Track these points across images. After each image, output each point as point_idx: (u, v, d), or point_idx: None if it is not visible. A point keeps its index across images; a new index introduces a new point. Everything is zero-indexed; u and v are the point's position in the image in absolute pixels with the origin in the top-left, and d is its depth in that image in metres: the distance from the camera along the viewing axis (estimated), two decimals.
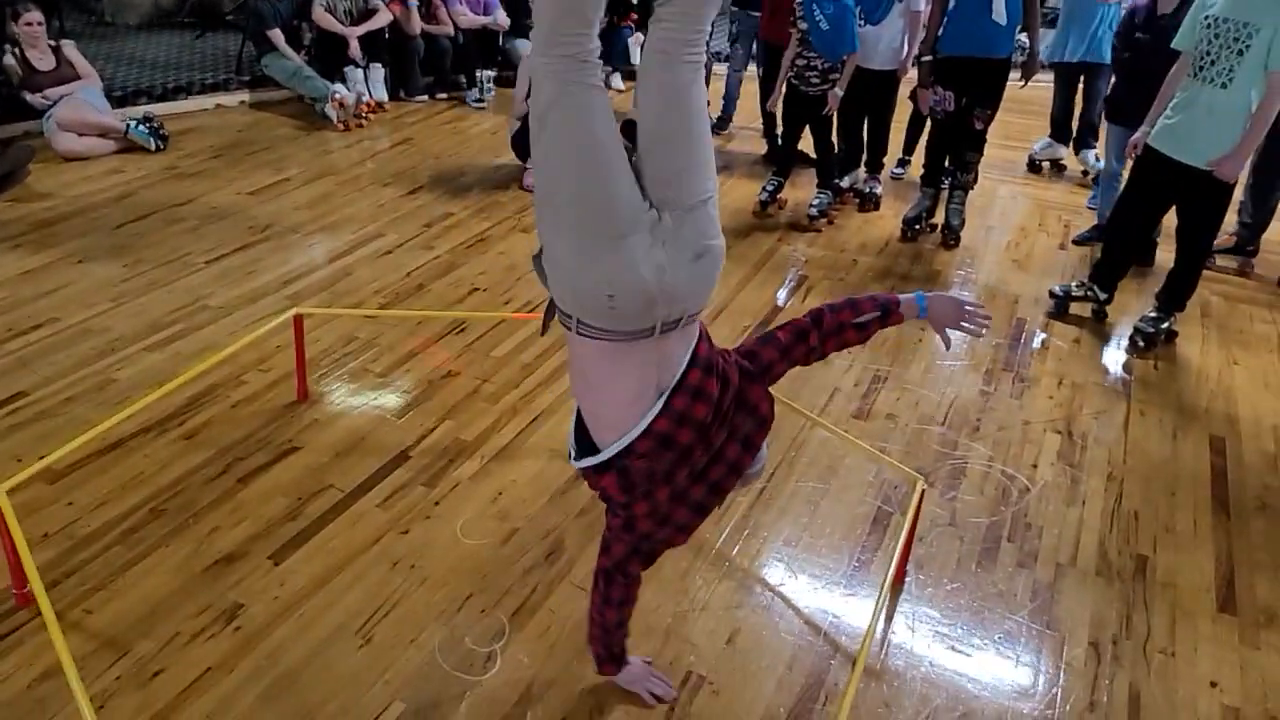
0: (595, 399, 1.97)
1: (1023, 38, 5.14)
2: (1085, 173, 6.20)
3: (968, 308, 2.16)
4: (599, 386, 1.94)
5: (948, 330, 2.19)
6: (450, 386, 3.70)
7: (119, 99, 6.27)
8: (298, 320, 3.41)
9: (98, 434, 2.82)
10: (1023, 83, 5.27)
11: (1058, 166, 6.45)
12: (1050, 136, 6.38)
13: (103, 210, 5.05)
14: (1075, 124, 6.17)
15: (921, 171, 5.41)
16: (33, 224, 4.83)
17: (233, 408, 3.48)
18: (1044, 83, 6.58)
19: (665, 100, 1.82)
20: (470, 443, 3.37)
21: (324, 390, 3.63)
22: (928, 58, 5.01)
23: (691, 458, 1.98)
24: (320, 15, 6.70)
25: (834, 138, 5.50)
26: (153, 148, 5.82)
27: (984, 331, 2.25)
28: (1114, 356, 4.21)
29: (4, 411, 3.36)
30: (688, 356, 1.92)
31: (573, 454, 2.05)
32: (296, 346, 3.46)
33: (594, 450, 1.99)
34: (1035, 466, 3.42)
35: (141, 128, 5.83)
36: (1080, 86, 5.98)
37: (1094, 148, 6.08)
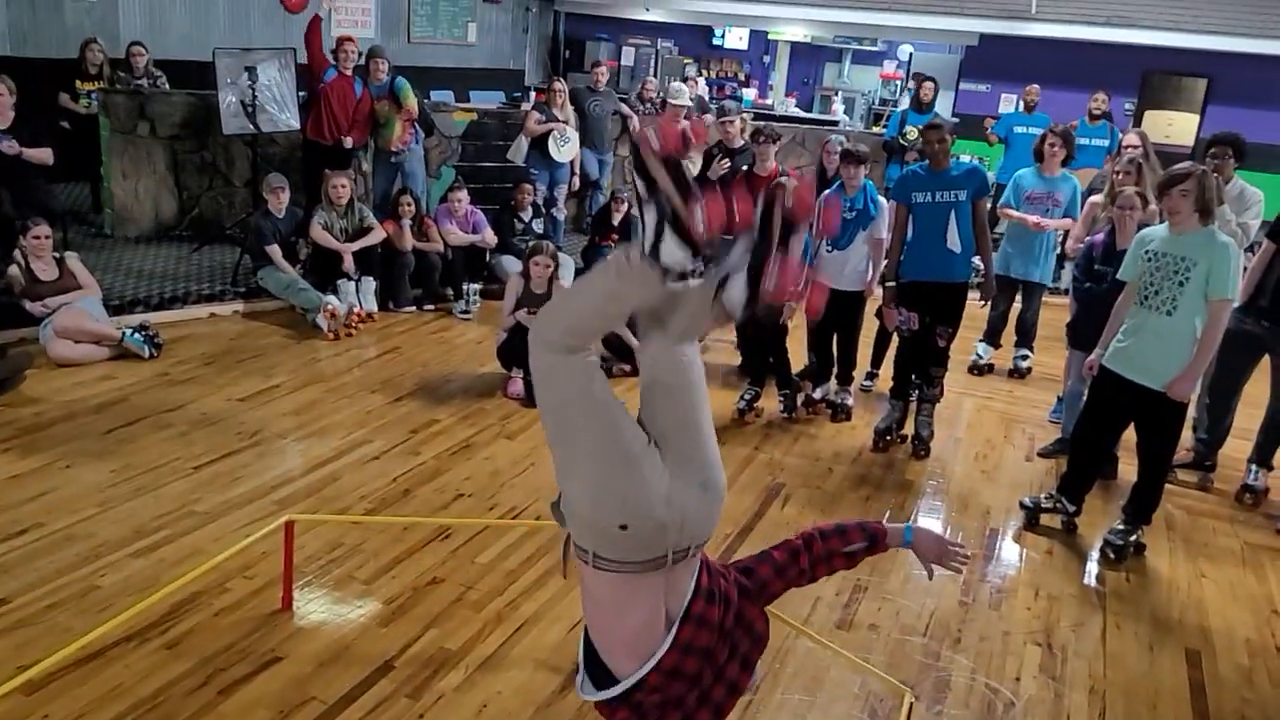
0: (608, 628, 2.01)
1: (977, 261, 5.53)
2: (1013, 372, 6.94)
3: (950, 546, 2.28)
4: (612, 617, 1.99)
5: (931, 556, 2.30)
6: (435, 593, 3.71)
7: (116, 307, 6.47)
8: (289, 527, 3.45)
9: (79, 645, 2.80)
10: (982, 302, 5.64)
11: (988, 366, 7.01)
12: (984, 340, 7.03)
13: (93, 415, 5.13)
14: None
15: (890, 385, 5.66)
16: (22, 428, 4.90)
17: (215, 615, 3.46)
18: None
19: (664, 361, 2.01)
20: (455, 652, 3.36)
21: (308, 598, 3.62)
22: (891, 283, 5.37)
23: (700, 682, 2.03)
24: (318, 233, 7.06)
25: (787, 347, 5.83)
26: (146, 355, 5.97)
27: (963, 569, 2.36)
28: (1086, 568, 4.31)
29: None
30: (690, 588, 2.00)
31: (583, 685, 2.08)
32: (285, 553, 3.49)
33: (606, 677, 2.02)
34: (1018, 679, 3.44)
35: (136, 335, 6.00)
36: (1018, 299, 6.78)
37: (1027, 354, 6.93)
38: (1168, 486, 4.57)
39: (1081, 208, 6.22)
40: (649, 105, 9.80)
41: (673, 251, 1.69)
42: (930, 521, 4.66)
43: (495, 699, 3.12)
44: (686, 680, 2.00)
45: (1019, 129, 9.35)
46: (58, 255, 6.11)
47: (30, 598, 3.46)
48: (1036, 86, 9.89)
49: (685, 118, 7.25)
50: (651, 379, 2.03)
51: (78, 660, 3.09)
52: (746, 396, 5.87)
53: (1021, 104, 10.08)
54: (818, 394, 6.02)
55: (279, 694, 3.06)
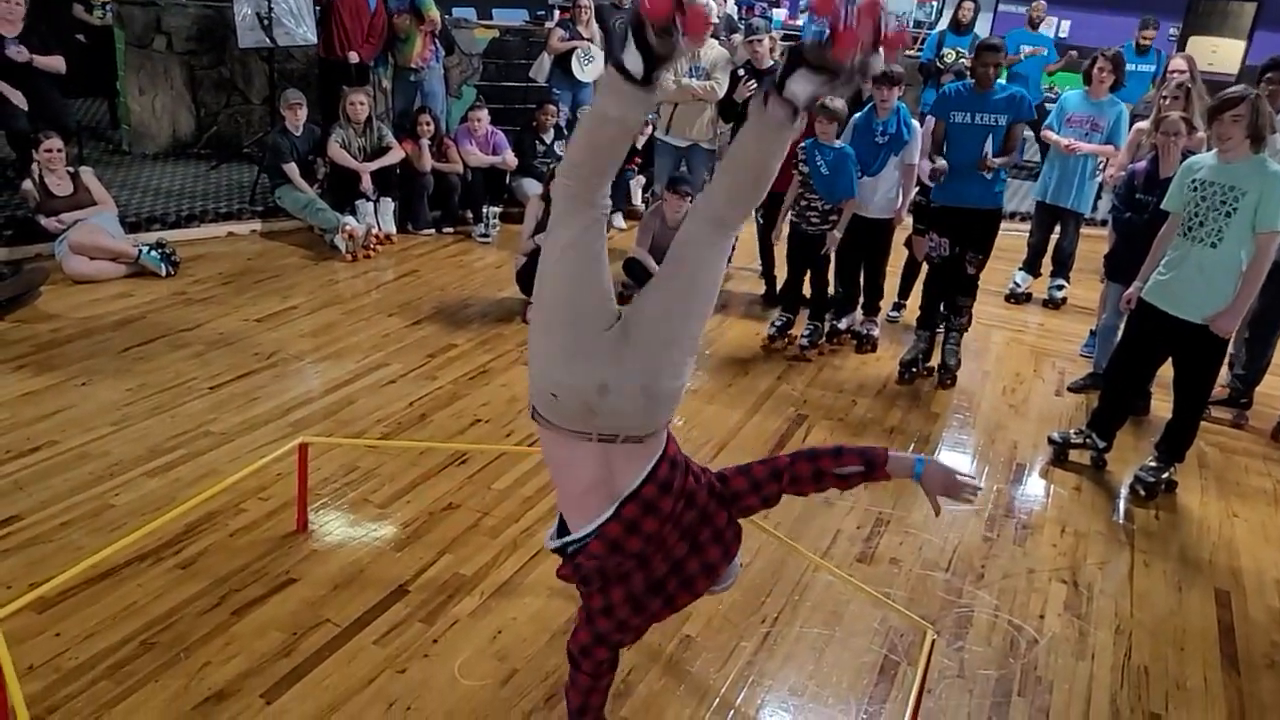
0: (559, 485, 2.18)
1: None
2: (1047, 302, 6.79)
3: (959, 478, 2.21)
4: (555, 471, 2.16)
5: (941, 486, 2.23)
6: (450, 519, 3.67)
7: (133, 225, 6.40)
8: (302, 449, 3.40)
9: (91, 563, 2.77)
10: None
11: (1026, 295, 6.88)
12: (1023, 268, 6.89)
13: (109, 333, 5.08)
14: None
15: (918, 315, 5.52)
16: (37, 345, 4.86)
17: (230, 536, 3.43)
18: (1020, 231, 7.22)
19: (684, 247, 2.03)
20: (470, 578, 3.32)
21: (323, 521, 3.59)
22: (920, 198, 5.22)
23: (649, 566, 2.13)
24: (335, 151, 6.92)
25: (830, 277, 5.68)
26: (163, 273, 5.91)
27: (973, 500, 2.32)
28: (1115, 505, 4.21)
29: None
30: (644, 472, 2.06)
31: (550, 535, 2.23)
32: (299, 476, 3.45)
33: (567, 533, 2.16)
34: (1042, 617, 3.37)
35: (153, 253, 5.93)
36: (1057, 228, 6.63)
37: (1063, 284, 6.76)
38: (1202, 424, 4.44)
39: (1127, 135, 5.99)
40: None
41: (632, 58, 1.81)
42: (956, 456, 4.57)
43: (510, 625, 3.09)
44: (629, 558, 2.11)
45: (1026, 49, 9.01)
46: (72, 170, 6.02)
47: (43, 515, 3.44)
48: (1042, 3, 9.50)
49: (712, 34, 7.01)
50: (663, 277, 2.08)
51: (90, 579, 3.08)
52: (778, 323, 5.77)
53: (1026, 21, 9.65)
54: (843, 324, 5.89)
55: (292, 616, 3.04)
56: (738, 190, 2.01)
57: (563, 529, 2.19)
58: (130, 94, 8.15)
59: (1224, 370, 4.94)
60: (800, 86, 1.82)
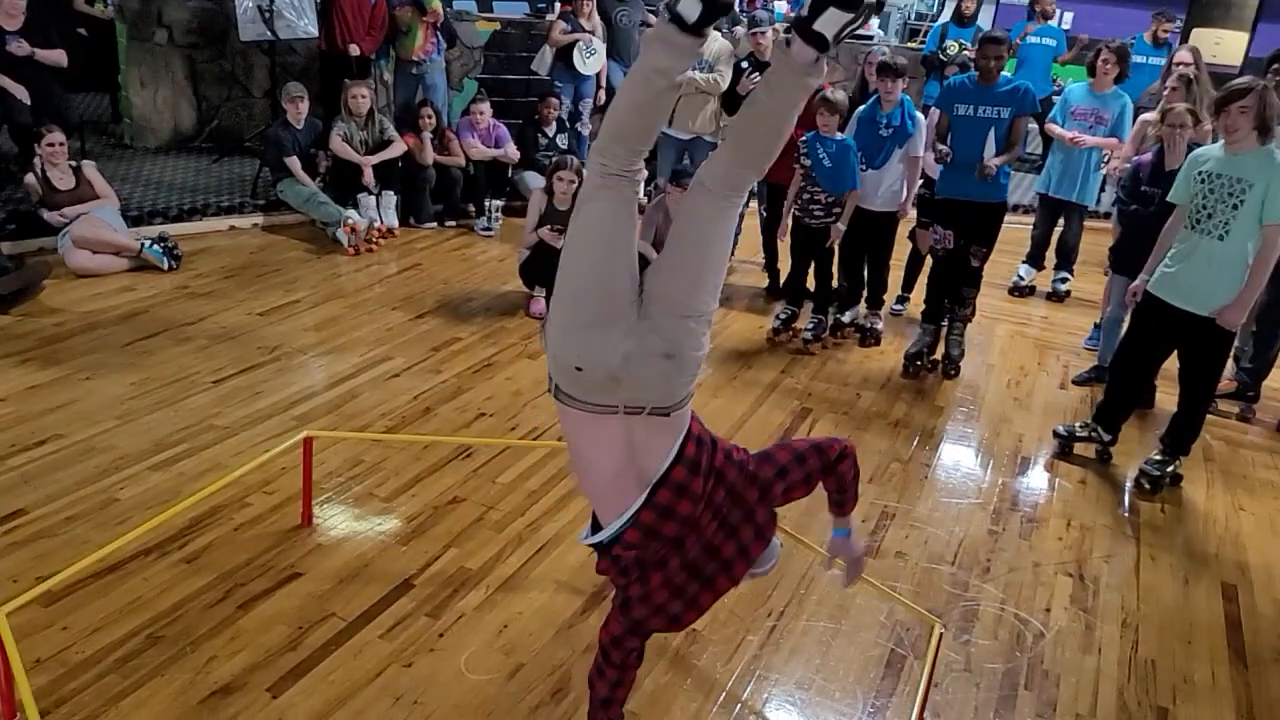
0: (581, 471, 2.17)
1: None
2: (1051, 295, 6.78)
3: (858, 567, 2.51)
4: (580, 459, 2.14)
5: (840, 560, 2.50)
6: (455, 513, 3.66)
7: (135, 219, 6.39)
8: (307, 443, 3.40)
9: (97, 557, 2.77)
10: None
11: (1029, 288, 6.87)
12: (1026, 261, 6.88)
13: (112, 327, 5.08)
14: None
15: (922, 308, 5.52)
16: (42, 339, 4.85)
17: (235, 530, 3.43)
18: (1023, 223, 7.19)
19: (692, 224, 2.03)
20: (475, 572, 3.32)
21: (328, 515, 3.58)
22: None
23: (683, 549, 2.14)
24: (338, 145, 6.91)
25: (834, 270, 5.67)
26: (165, 267, 5.90)
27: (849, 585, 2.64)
28: (1120, 499, 4.21)
29: (3, 529, 3.30)
30: (672, 453, 2.07)
31: (586, 533, 2.22)
32: (304, 469, 3.44)
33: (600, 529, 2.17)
34: (1048, 610, 3.37)
35: (155, 247, 5.92)
36: (1061, 221, 6.61)
37: (1066, 277, 6.76)
38: (1208, 417, 4.43)
39: (1131, 127, 5.97)
40: None
41: (689, 4, 1.80)
42: (961, 449, 4.56)
43: (516, 619, 3.09)
44: (667, 543, 2.12)
45: (1032, 39, 8.95)
46: (74, 164, 6.00)
47: (49, 509, 3.44)
48: None
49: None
50: (674, 246, 2.06)
51: (96, 572, 3.08)
52: (782, 316, 5.77)
53: (1039, 14, 9.53)
54: (847, 318, 5.88)
55: (298, 610, 3.04)
56: (752, 148, 1.98)
57: (595, 526, 2.20)
58: (132, 87, 8.14)
59: (1231, 364, 4.94)
60: (829, 22, 1.80)
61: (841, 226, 5.43)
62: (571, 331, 2.00)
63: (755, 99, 1.97)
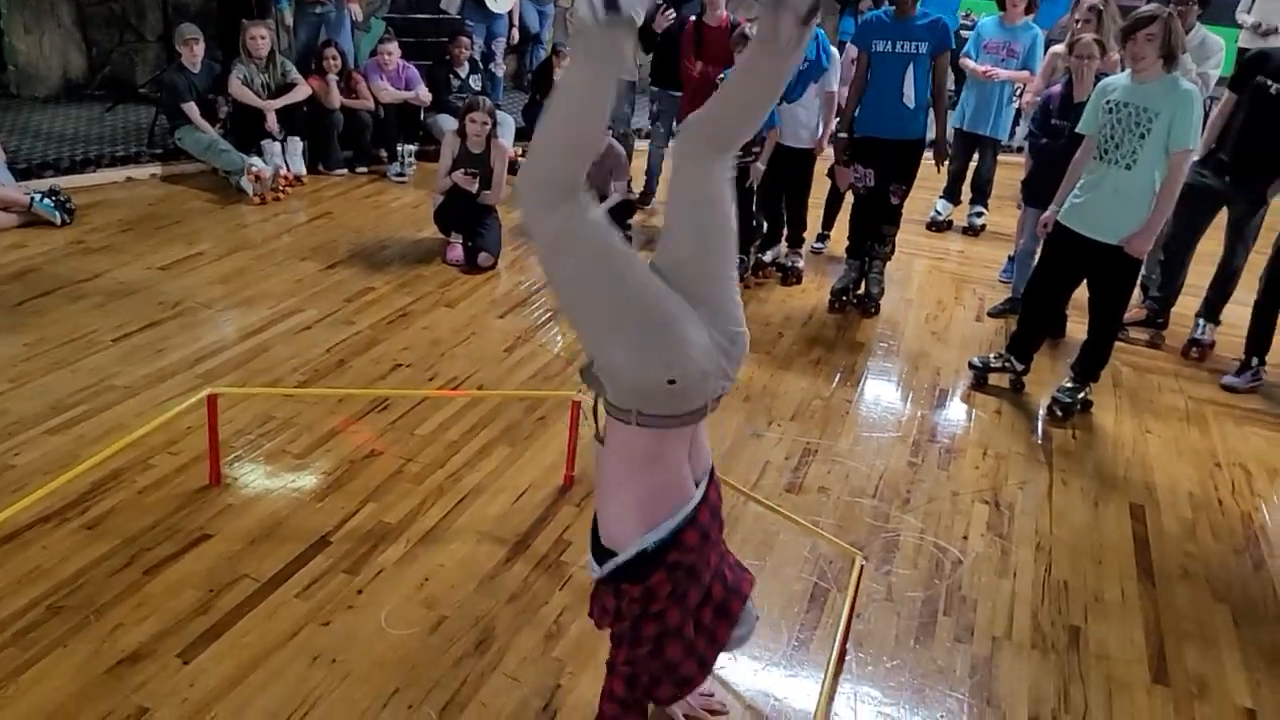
0: (630, 484, 1.96)
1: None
2: (967, 229, 6.87)
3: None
4: (641, 472, 1.96)
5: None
6: (372, 467, 3.58)
7: (24, 172, 6.06)
8: (211, 400, 3.26)
9: None
10: (938, 167, 5.45)
11: (946, 223, 6.93)
12: (943, 196, 6.92)
13: (2, 286, 4.81)
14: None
15: (846, 244, 5.52)
16: None
17: (139, 494, 3.30)
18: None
19: (699, 196, 1.94)
20: (394, 526, 3.25)
21: (238, 474, 3.47)
22: (843, 134, 5.16)
23: (708, 563, 2.11)
24: (237, 88, 6.61)
25: (753, 210, 5.63)
26: (58, 222, 5.61)
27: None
28: (1034, 426, 4.30)
29: None
30: (707, 444, 2.09)
31: (596, 566, 2.04)
32: (209, 428, 3.31)
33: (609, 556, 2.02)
34: (966, 538, 3.43)
35: (46, 201, 5.62)
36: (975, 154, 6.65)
37: (981, 211, 6.83)
38: (1117, 344, 4.54)
39: (1042, 60, 6.01)
40: None
41: None
42: (881, 385, 4.60)
43: (437, 572, 3.03)
44: (706, 548, 2.06)
45: None
46: None
47: None
48: None
49: None
50: (679, 217, 1.97)
51: None
52: None
53: None
54: (768, 257, 5.86)
55: (208, 572, 2.94)
56: (749, 119, 1.93)
57: (598, 552, 2.04)
58: (14, 33, 7.67)
59: (1139, 292, 5.06)
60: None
61: (761, 166, 5.38)
62: (649, 356, 1.84)
63: (748, 78, 1.92)
